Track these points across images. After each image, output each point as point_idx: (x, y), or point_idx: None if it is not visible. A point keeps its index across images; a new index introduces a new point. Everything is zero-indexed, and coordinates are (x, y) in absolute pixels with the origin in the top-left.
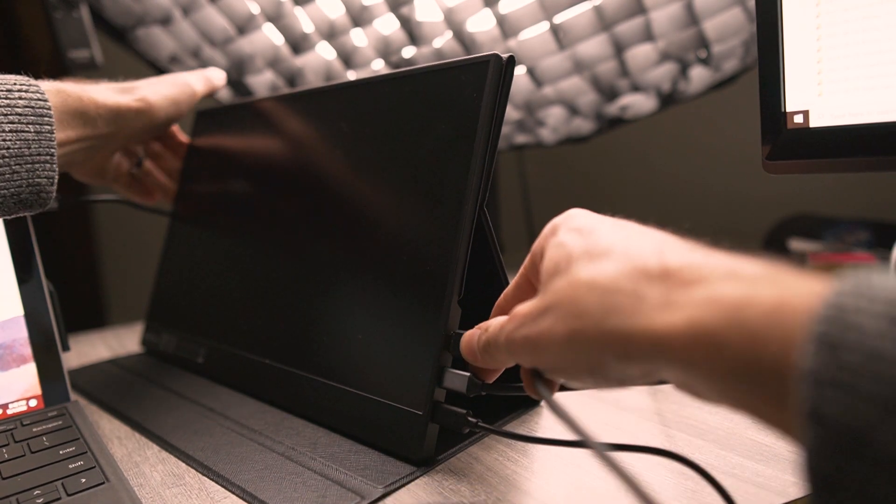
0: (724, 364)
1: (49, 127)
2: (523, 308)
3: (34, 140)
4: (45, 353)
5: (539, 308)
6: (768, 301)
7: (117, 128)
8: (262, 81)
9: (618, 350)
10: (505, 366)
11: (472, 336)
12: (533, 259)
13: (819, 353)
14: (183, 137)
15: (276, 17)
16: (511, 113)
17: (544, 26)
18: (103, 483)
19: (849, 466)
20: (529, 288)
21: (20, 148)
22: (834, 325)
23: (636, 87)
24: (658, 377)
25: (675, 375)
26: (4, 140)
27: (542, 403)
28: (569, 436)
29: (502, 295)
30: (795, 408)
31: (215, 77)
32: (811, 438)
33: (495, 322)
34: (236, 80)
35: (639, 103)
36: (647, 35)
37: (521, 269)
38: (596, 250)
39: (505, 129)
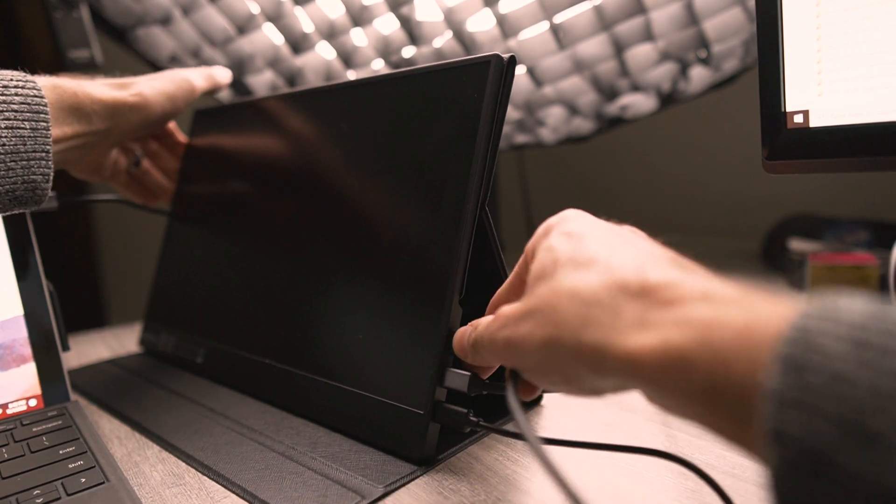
0: (693, 384)
1: (45, 123)
2: (508, 309)
3: (30, 137)
4: (45, 352)
5: (521, 311)
6: (737, 323)
7: (113, 123)
8: (262, 81)
9: (591, 363)
10: (492, 364)
11: (463, 333)
12: (526, 258)
13: (784, 375)
14: (181, 137)
15: (276, 17)
16: (511, 113)
17: (544, 26)
18: (103, 483)
19: (811, 487)
20: (523, 287)
21: (15, 144)
22: (799, 347)
23: (636, 87)
24: (630, 390)
25: (646, 392)
26: (0, 137)
27: (543, 403)
28: (569, 436)
29: (497, 292)
30: (759, 428)
31: (219, 74)
32: (774, 458)
33: (484, 321)
34: (236, 80)
35: (639, 103)
36: (647, 35)
37: (516, 268)
38: (581, 259)
39: (505, 129)
